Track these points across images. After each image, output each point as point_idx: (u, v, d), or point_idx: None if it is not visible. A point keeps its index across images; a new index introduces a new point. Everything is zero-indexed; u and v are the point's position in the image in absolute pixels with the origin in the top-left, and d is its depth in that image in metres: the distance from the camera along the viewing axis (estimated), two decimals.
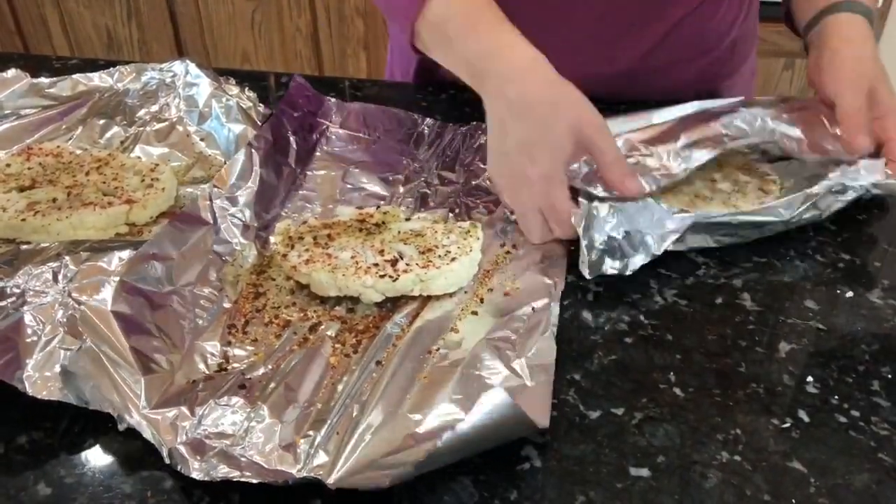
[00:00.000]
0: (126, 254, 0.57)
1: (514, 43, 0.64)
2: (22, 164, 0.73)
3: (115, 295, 0.53)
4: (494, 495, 0.45)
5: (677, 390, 0.53)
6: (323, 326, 0.58)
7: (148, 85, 0.85)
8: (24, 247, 0.61)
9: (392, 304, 0.59)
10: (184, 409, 0.49)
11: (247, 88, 0.83)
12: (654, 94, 0.84)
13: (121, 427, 0.48)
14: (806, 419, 0.51)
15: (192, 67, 0.83)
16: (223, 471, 0.45)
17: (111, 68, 0.88)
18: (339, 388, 0.52)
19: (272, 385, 0.52)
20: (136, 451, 0.48)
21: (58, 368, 0.50)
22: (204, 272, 0.60)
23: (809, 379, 0.54)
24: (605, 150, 0.62)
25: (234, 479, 0.44)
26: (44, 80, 0.86)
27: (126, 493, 0.45)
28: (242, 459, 0.46)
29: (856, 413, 0.51)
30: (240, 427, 0.48)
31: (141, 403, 0.49)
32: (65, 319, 0.52)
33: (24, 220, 0.65)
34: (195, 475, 0.45)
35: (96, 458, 0.48)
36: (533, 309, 0.57)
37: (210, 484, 0.45)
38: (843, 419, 0.51)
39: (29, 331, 0.52)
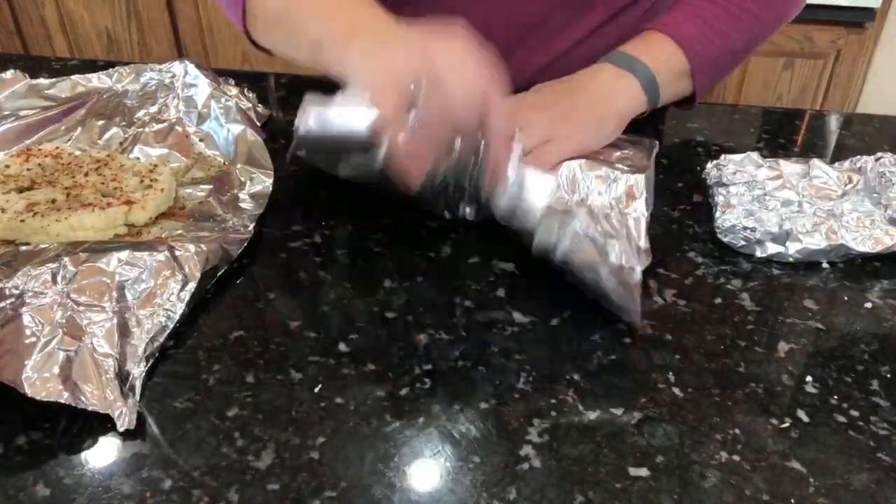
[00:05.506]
0: (125, 255, 0.57)
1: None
2: (21, 165, 0.73)
3: None
4: (494, 495, 0.46)
5: (676, 390, 0.53)
6: None
7: (147, 86, 0.85)
8: (23, 248, 0.60)
9: None
10: None
11: (246, 89, 0.83)
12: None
13: (120, 428, 0.48)
14: (805, 419, 0.51)
15: (191, 68, 0.83)
16: None
17: (110, 69, 0.88)
18: None
19: None
20: (135, 452, 0.48)
21: (57, 369, 0.50)
22: None
23: (808, 379, 0.54)
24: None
25: None
26: (43, 80, 0.86)
27: (125, 493, 0.45)
28: None
29: (855, 413, 0.51)
30: None
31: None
32: (64, 320, 0.52)
33: (22, 221, 0.64)
34: None
35: (95, 458, 0.48)
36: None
37: (210, 484, 0.45)
38: (842, 419, 0.51)
39: (28, 332, 0.52)
